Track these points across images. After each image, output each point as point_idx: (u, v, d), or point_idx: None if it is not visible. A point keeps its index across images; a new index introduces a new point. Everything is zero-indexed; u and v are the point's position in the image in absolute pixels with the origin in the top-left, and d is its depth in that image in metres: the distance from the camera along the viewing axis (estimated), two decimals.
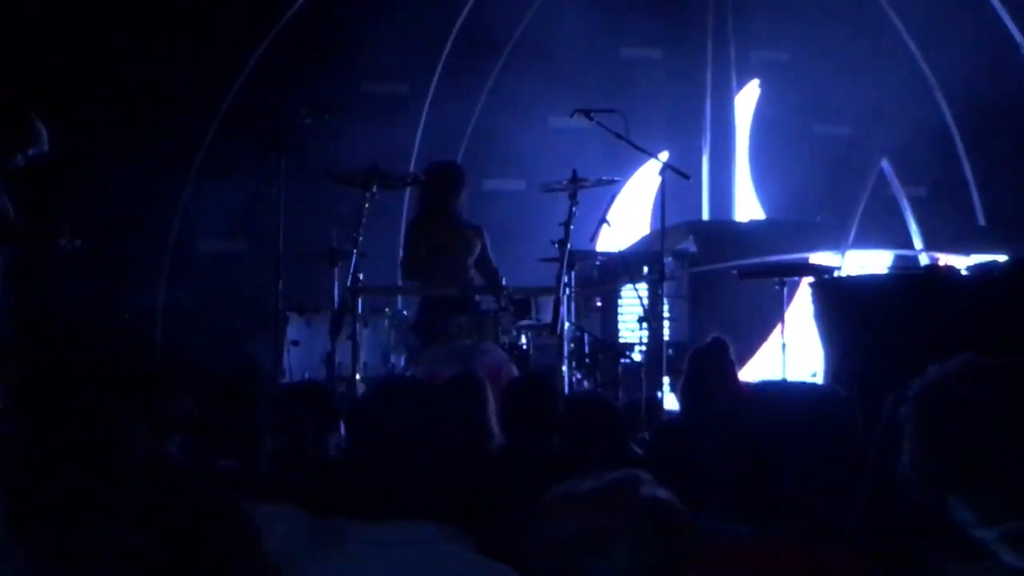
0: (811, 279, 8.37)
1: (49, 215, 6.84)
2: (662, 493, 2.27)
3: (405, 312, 8.45)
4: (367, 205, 7.48)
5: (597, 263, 9.52)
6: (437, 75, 11.46)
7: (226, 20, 10.36)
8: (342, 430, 5.23)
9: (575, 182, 7.74)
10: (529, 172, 10.93)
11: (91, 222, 7.62)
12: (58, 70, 9.71)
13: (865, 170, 10.71)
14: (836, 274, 8.79)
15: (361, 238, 7.40)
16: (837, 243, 10.09)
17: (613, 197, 11.22)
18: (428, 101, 11.46)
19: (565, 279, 7.53)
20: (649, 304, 9.08)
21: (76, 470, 2.84)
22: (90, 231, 7.05)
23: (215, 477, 4.06)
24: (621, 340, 9.89)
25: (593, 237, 8.63)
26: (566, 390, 7.41)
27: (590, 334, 8.71)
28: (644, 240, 10.99)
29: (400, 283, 8.75)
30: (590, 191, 8.08)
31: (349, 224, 7.56)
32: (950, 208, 11.73)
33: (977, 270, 7.46)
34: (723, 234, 10.86)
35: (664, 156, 9.34)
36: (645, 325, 9.02)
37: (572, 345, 7.96)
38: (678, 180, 8.40)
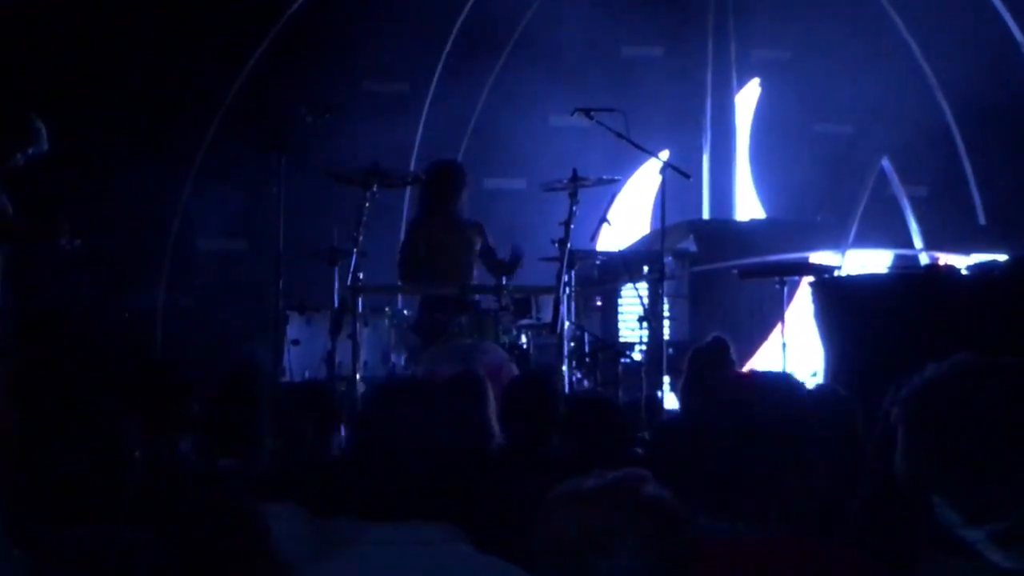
0: (811, 278, 8.36)
1: (49, 214, 6.83)
2: (664, 493, 2.27)
3: (405, 311, 8.45)
4: (367, 204, 7.47)
5: (597, 262, 9.52)
6: (438, 74, 11.46)
7: (226, 19, 10.37)
8: (343, 431, 5.25)
9: (575, 181, 7.73)
10: (530, 171, 10.93)
11: (91, 221, 7.62)
12: (58, 69, 9.72)
13: (865, 169, 10.71)
14: (836, 273, 8.78)
15: (361, 237, 7.39)
16: (837, 242, 10.09)
17: (613, 196, 11.22)
18: (429, 100, 11.47)
19: (565, 278, 7.52)
20: (649, 303, 9.08)
21: (74, 469, 2.85)
22: (90, 230, 7.04)
23: (225, 477, 4.07)
24: (621, 339, 9.90)
25: (593, 236, 8.63)
26: (566, 389, 7.41)
27: (590, 333, 8.70)
28: (644, 239, 10.99)
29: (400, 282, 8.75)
30: (590, 190, 8.07)
31: (350, 223, 7.56)
32: (950, 207, 11.72)
33: (977, 269, 7.45)
34: (723, 233, 10.86)
35: (664, 155, 9.34)
36: (645, 324, 9.02)
37: (572, 344, 7.96)
38: (678, 179, 8.40)
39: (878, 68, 11.52)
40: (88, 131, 9.49)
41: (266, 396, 5.11)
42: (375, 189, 7.52)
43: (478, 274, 8.52)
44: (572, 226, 7.62)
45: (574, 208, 7.68)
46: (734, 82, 12.23)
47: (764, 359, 9.53)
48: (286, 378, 7.82)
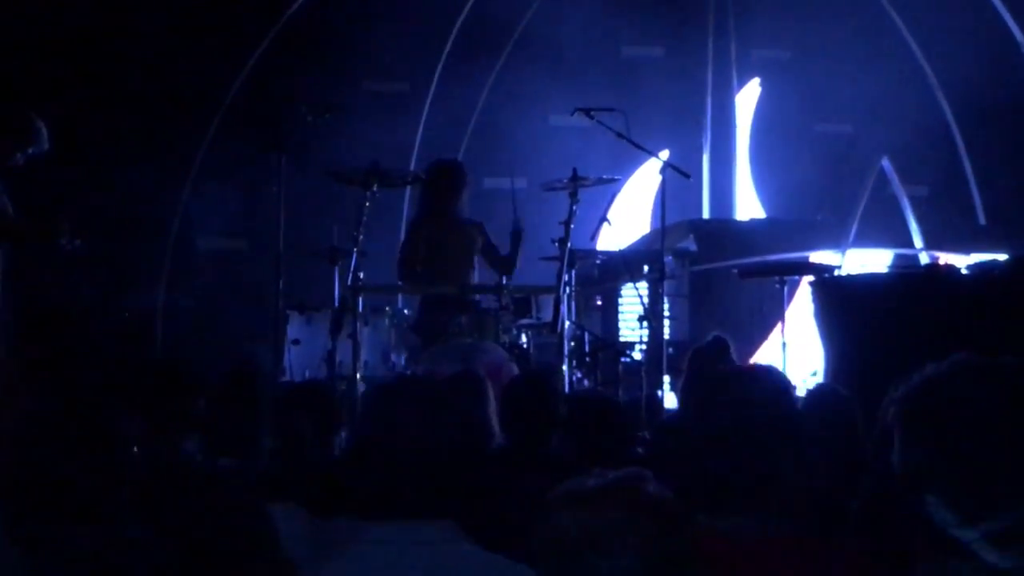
0: (811, 278, 8.36)
1: (49, 214, 6.83)
2: (665, 492, 2.27)
3: (406, 311, 8.45)
4: (368, 204, 7.47)
5: (597, 262, 9.53)
6: (438, 74, 11.46)
7: (227, 19, 10.37)
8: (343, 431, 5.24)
9: (576, 180, 7.73)
10: (530, 170, 10.92)
11: (91, 221, 7.62)
12: (58, 69, 9.71)
13: (865, 169, 10.70)
14: (836, 273, 8.79)
15: (362, 237, 7.39)
16: (837, 242, 10.08)
17: (613, 196, 11.23)
18: (429, 100, 11.46)
19: (566, 278, 7.52)
20: (649, 303, 9.08)
21: (73, 468, 2.85)
22: (90, 230, 7.04)
23: (231, 476, 4.07)
24: (621, 339, 9.90)
25: (593, 236, 8.63)
26: (566, 389, 7.41)
27: (590, 333, 8.70)
28: (644, 239, 10.99)
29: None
30: (591, 190, 8.07)
31: (350, 223, 7.55)
32: (950, 207, 11.73)
33: (977, 269, 7.45)
34: (723, 233, 10.86)
35: (665, 155, 9.34)
36: (645, 324, 9.02)
37: (572, 344, 7.96)
38: (679, 179, 8.40)
39: (878, 68, 11.52)
40: (88, 131, 9.49)
41: (266, 396, 5.11)
42: (375, 189, 7.52)
43: (479, 273, 8.53)
44: (572, 225, 7.62)
45: (574, 207, 7.68)
46: (734, 82, 12.23)
47: (764, 359, 9.53)
48: (286, 378, 7.82)
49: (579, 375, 8.19)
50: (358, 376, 7.29)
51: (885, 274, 8.97)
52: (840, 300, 7.65)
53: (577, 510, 2.22)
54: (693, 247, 10.45)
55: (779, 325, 8.52)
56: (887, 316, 7.06)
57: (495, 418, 5.08)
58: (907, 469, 2.18)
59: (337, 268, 8.06)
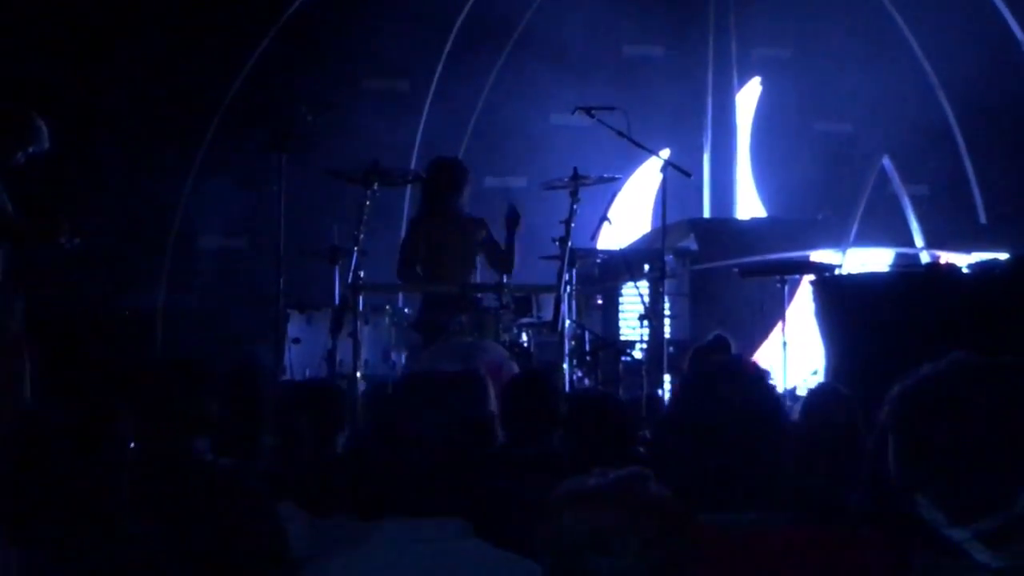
0: (812, 277, 8.37)
1: (49, 213, 6.83)
2: (666, 492, 2.27)
3: (406, 309, 8.45)
4: (368, 202, 7.47)
5: (598, 261, 9.53)
6: (438, 72, 11.45)
7: (227, 18, 10.36)
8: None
9: (576, 179, 7.73)
10: (530, 169, 10.93)
11: (91, 220, 7.62)
12: (59, 68, 9.71)
13: (866, 168, 10.71)
14: (837, 272, 8.79)
15: (362, 235, 7.40)
16: (838, 241, 10.09)
17: (614, 195, 11.23)
18: (429, 98, 11.46)
19: (566, 277, 7.52)
20: (650, 302, 9.09)
21: (73, 468, 2.85)
22: (90, 229, 7.04)
23: (244, 476, 4.07)
24: (622, 338, 9.90)
25: (594, 235, 8.63)
26: (567, 388, 7.41)
27: (591, 332, 8.71)
28: (645, 238, 10.99)
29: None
30: (591, 189, 8.07)
31: (350, 221, 7.56)
32: (951, 206, 11.73)
33: (978, 268, 7.46)
34: (724, 232, 10.86)
35: (665, 154, 9.34)
36: (646, 323, 9.02)
37: (573, 343, 7.96)
38: (679, 178, 8.40)
39: (879, 66, 11.52)
40: (89, 130, 9.49)
41: (267, 395, 5.11)
42: (376, 187, 7.52)
43: (480, 273, 8.52)
44: (573, 224, 7.62)
45: (575, 206, 7.68)
46: (735, 81, 12.22)
47: (765, 358, 9.53)
48: (287, 376, 7.82)
49: (580, 374, 8.19)
50: (358, 375, 7.30)
51: (886, 273, 8.97)
52: (841, 299, 7.65)
53: (578, 510, 2.22)
54: (694, 246, 10.45)
55: (780, 324, 8.52)
56: (888, 315, 7.07)
57: (496, 417, 5.08)
58: (899, 468, 2.18)
59: (337, 267, 8.06)
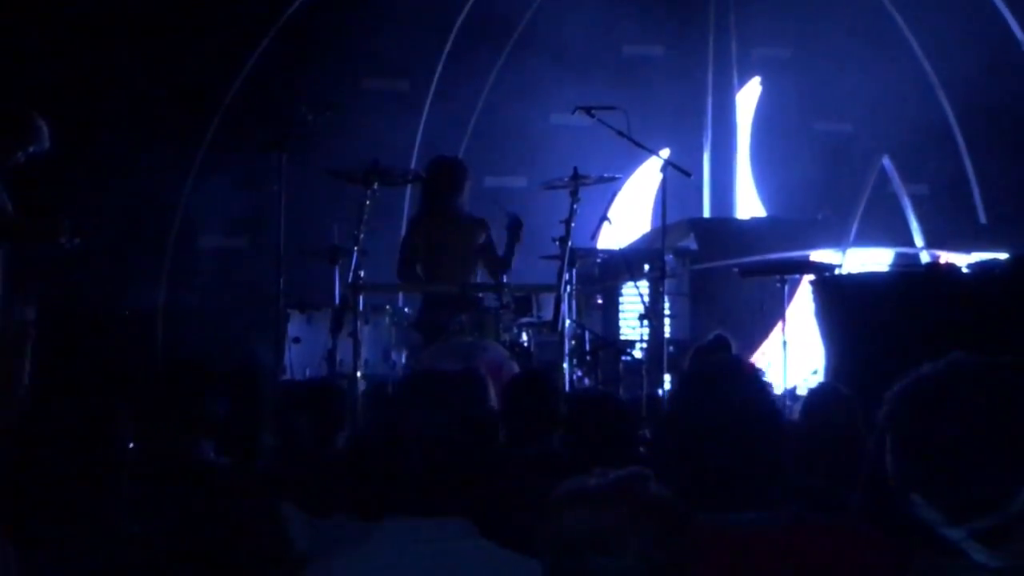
0: (812, 277, 8.37)
1: (49, 213, 6.83)
2: (667, 492, 2.28)
3: (406, 309, 8.45)
4: (368, 202, 7.47)
5: (598, 260, 9.53)
6: (439, 72, 11.46)
7: (227, 17, 10.37)
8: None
9: (576, 179, 7.73)
10: (530, 169, 10.93)
11: (92, 220, 7.61)
12: (59, 67, 9.71)
13: (866, 167, 10.71)
14: (837, 272, 8.79)
15: (362, 235, 7.39)
16: (838, 241, 10.09)
17: (614, 194, 11.23)
18: (430, 98, 11.46)
19: (566, 276, 7.52)
20: (650, 301, 9.09)
21: (73, 467, 2.85)
22: (91, 229, 7.04)
23: (249, 477, 4.07)
24: (622, 337, 9.90)
25: (594, 234, 8.63)
26: (567, 388, 7.41)
27: (591, 331, 8.71)
28: (645, 237, 10.99)
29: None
30: (591, 188, 8.07)
31: (350, 221, 7.56)
32: (951, 206, 11.73)
33: (978, 268, 7.46)
34: (724, 231, 10.86)
35: (665, 153, 9.34)
36: (646, 322, 9.02)
37: (573, 342, 7.96)
38: (679, 177, 8.40)
39: (879, 66, 11.52)
40: (89, 129, 9.49)
41: (267, 394, 5.11)
42: (376, 187, 7.52)
43: (480, 272, 8.52)
44: (573, 224, 7.62)
45: (575, 206, 7.68)
46: (735, 80, 12.23)
47: (765, 357, 9.53)
48: (287, 376, 7.82)
49: (579, 374, 8.19)
50: (359, 374, 7.30)
51: (886, 273, 8.98)
52: (841, 299, 7.65)
53: (579, 510, 2.22)
54: (694, 246, 10.46)
55: (780, 324, 8.52)
56: (888, 315, 7.07)
57: (498, 415, 5.08)
58: (896, 467, 2.19)
59: (338, 267, 8.06)
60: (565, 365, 7.52)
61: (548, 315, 7.82)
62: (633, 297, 9.61)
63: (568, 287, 7.60)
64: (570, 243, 7.57)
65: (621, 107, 7.96)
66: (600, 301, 10.14)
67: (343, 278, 7.78)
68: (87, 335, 9.01)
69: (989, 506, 2.08)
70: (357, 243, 7.37)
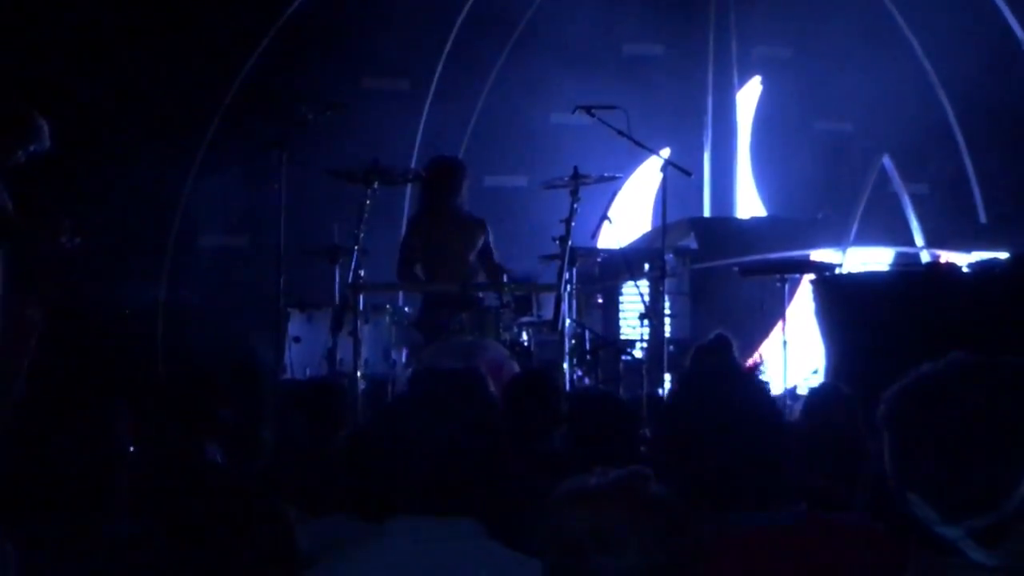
0: (812, 276, 8.37)
1: (50, 212, 6.83)
2: (668, 491, 2.28)
3: (407, 308, 8.45)
4: (368, 201, 7.48)
5: (598, 260, 9.52)
6: (439, 71, 11.45)
7: (227, 16, 10.36)
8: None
9: (576, 179, 7.74)
10: (531, 168, 10.93)
11: (92, 219, 7.62)
12: (60, 66, 9.71)
13: (866, 167, 10.71)
14: (837, 271, 8.79)
15: (362, 234, 7.40)
16: (838, 240, 10.09)
17: (614, 194, 11.23)
18: (430, 97, 11.46)
19: (566, 276, 7.53)
20: (650, 301, 9.09)
21: (72, 466, 2.85)
22: (91, 228, 7.04)
23: (255, 479, 4.08)
24: (622, 337, 9.90)
25: (594, 234, 8.63)
26: (567, 387, 7.41)
27: (591, 331, 8.70)
28: (645, 237, 10.99)
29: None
30: (591, 188, 8.07)
31: (351, 220, 7.56)
32: (951, 205, 11.72)
33: (978, 267, 7.46)
34: (724, 231, 10.86)
35: (666, 153, 9.35)
36: (646, 322, 9.02)
37: (573, 342, 7.96)
38: (679, 177, 8.40)
39: (879, 65, 11.51)
40: (89, 129, 9.48)
41: (268, 393, 5.11)
42: (376, 186, 7.52)
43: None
44: (573, 223, 7.62)
45: (575, 205, 7.68)
46: (735, 80, 12.22)
47: (765, 357, 9.53)
48: (287, 375, 7.83)
49: (580, 373, 8.19)
50: (359, 374, 7.30)
51: (886, 272, 8.98)
52: (841, 298, 7.65)
53: (579, 509, 2.22)
54: (694, 245, 10.46)
55: (780, 323, 8.52)
56: (888, 314, 7.07)
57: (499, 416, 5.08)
58: (894, 465, 2.19)
59: (338, 266, 8.06)
60: (565, 364, 7.53)
61: (548, 314, 7.82)
62: (633, 296, 9.61)
63: (568, 286, 7.60)
64: (570, 242, 7.57)
65: (621, 106, 7.97)
66: (600, 300, 10.14)
67: (343, 277, 7.78)
68: (87, 334, 9.01)
69: (986, 505, 2.09)
70: (357, 242, 7.37)
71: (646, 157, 10.14)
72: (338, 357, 7.37)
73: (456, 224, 8.44)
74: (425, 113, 11.42)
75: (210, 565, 2.39)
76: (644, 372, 8.25)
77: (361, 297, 7.44)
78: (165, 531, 2.46)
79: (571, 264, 7.67)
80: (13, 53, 9.48)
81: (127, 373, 7.92)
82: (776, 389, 7.91)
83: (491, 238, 8.62)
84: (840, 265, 9.35)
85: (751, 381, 2.79)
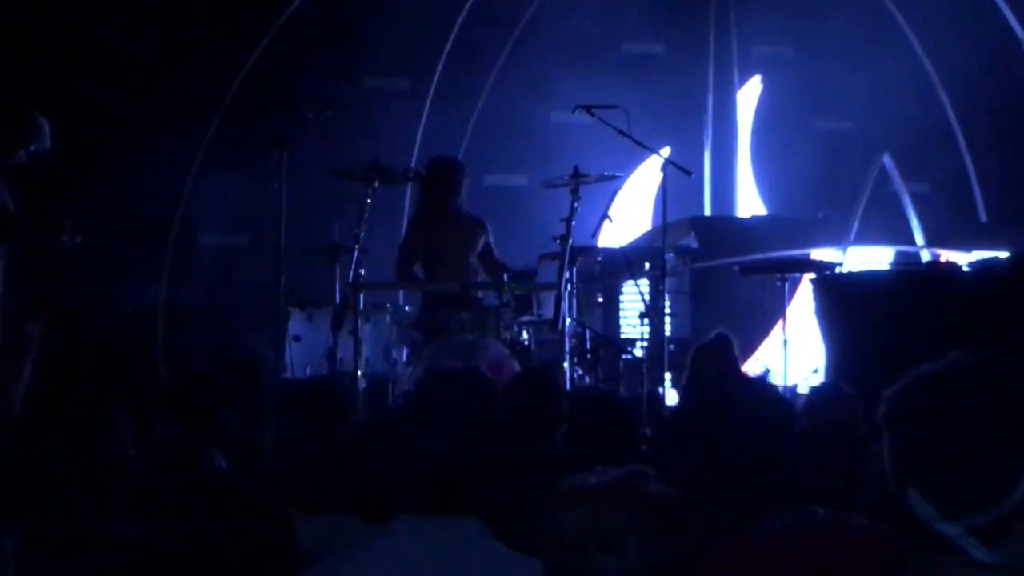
0: (813, 275, 8.37)
1: (50, 211, 6.83)
2: (668, 490, 2.28)
3: (407, 307, 8.46)
4: (369, 201, 7.48)
5: (599, 259, 9.52)
6: (439, 71, 11.45)
7: (228, 15, 10.36)
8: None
9: (577, 178, 7.74)
10: (531, 167, 10.93)
11: (93, 218, 7.61)
12: (60, 66, 9.71)
13: (867, 166, 10.70)
14: (838, 270, 8.79)
15: (363, 233, 7.40)
16: (839, 239, 10.09)
17: (615, 193, 11.22)
18: (430, 97, 11.46)
19: (567, 275, 7.53)
20: (650, 300, 9.08)
21: (65, 466, 2.85)
22: (92, 227, 7.04)
23: (259, 483, 4.07)
24: (622, 336, 9.90)
25: (595, 233, 8.63)
26: (567, 386, 7.41)
27: (591, 330, 8.70)
28: (645, 236, 10.99)
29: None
30: (592, 187, 8.08)
31: (351, 219, 7.56)
32: (952, 204, 11.72)
33: (979, 266, 7.46)
34: (724, 230, 10.86)
35: (666, 152, 9.35)
36: (646, 321, 9.02)
37: (573, 341, 7.96)
38: (680, 176, 8.40)
39: (880, 64, 11.51)
40: (90, 128, 9.48)
41: (268, 392, 5.11)
42: (376, 185, 7.53)
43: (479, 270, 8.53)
44: (573, 223, 7.62)
45: (576, 204, 7.69)
46: (736, 79, 12.22)
47: (765, 356, 9.53)
48: (288, 374, 7.83)
49: (580, 372, 8.19)
50: (359, 373, 7.31)
51: (886, 271, 8.97)
52: (841, 297, 7.65)
53: (580, 508, 2.22)
54: (694, 244, 10.45)
55: (780, 322, 8.52)
56: (888, 314, 7.07)
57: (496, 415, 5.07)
58: (893, 464, 2.19)
59: (338, 265, 8.06)
60: (565, 363, 7.53)
61: (548, 313, 7.82)
62: (634, 295, 9.61)
63: (569, 285, 7.60)
64: (571, 241, 7.57)
65: (622, 105, 7.97)
66: (600, 299, 10.13)
67: (344, 276, 7.78)
68: (87, 333, 9.00)
69: (986, 503, 2.09)
70: (358, 241, 7.38)
71: (646, 156, 10.13)
72: (338, 356, 7.37)
73: (456, 224, 8.45)
74: (425, 112, 11.42)
75: (210, 565, 2.39)
76: (644, 371, 8.24)
77: (361, 296, 7.44)
78: (165, 531, 2.46)
79: (571, 263, 7.67)
80: (13, 53, 9.48)
81: (127, 373, 7.91)
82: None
83: (491, 238, 8.62)
84: (840, 264, 9.35)
85: (757, 382, 2.80)
